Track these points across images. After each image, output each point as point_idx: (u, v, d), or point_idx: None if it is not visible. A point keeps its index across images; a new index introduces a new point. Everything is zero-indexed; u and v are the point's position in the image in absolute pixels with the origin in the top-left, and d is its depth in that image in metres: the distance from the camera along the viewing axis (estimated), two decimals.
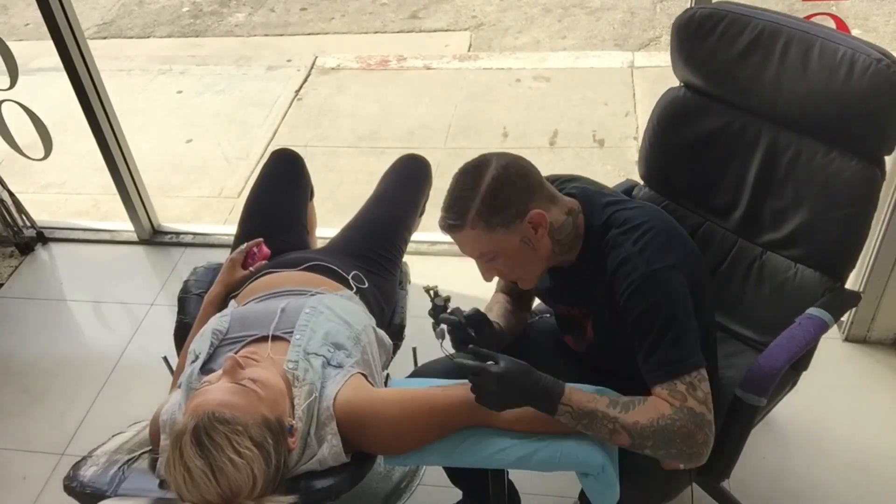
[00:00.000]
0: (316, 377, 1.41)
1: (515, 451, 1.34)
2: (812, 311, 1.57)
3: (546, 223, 1.33)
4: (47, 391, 2.43)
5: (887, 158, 1.55)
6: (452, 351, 1.47)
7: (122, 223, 2.99)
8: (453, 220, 1.32)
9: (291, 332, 1.50)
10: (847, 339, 2.32)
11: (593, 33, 4.36)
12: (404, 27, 4.64)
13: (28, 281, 2.86)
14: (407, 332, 1.90)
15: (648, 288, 1.29)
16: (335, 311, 1.58)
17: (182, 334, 1.80)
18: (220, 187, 3.37)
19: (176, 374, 1.68)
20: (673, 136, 1.81)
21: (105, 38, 4.82)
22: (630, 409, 1.28)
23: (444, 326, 1.45)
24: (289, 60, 4.30)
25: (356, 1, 4.91)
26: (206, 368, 1.47)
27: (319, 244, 2.10)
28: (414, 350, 1.81)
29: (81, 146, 3.30)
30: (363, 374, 1.48)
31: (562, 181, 1.50)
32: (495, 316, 1.59)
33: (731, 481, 1.94)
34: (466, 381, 1.32)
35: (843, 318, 2.29)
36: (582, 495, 1.51)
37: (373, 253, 1.90)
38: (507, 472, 1.58)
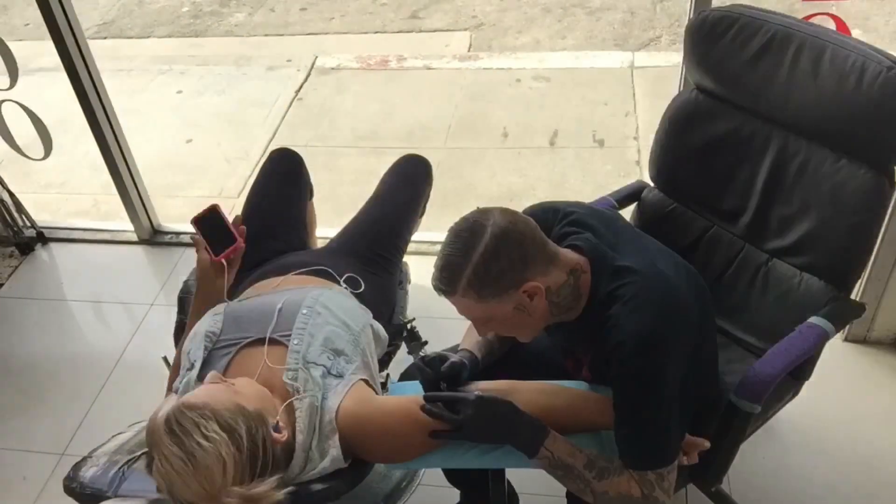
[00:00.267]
0: (317, 388, 1.40)
1: (515, 451, 1.33)
2: (813, 319, 1.56)
3: (542, 293, 1.27)
4: (47, 391, 2.43)
5: None
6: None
7: (122, 223, 2.99)
8: (443, 287, 1.27)
9: (289, 336, 1.47)
10: (847, 339, 2.33)
11: (593, 33, 4.35)
12: (404, 27, 4.64)
13: (28, 281, 2.86)
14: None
15: (641, 377, 1.26)
16: (333, 311, 1.55)
17: (182, 334, 1.80)
18: (220, 187, 3.37)
19: (172, 373, 1.67)
20: (683, 138, 1.80)
21: (105, 38, 4.82)
22: (603, 478, 1.29)
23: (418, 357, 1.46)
24: (289, 60, 4.30)
25: (356, 1, 4.91)
26: (201, 375, 1.45)
27: (319, 244, 2.10)
28: None
29: (81, 146, 3.30)
30: (364, 380, 1.47)
31: (568, 225, 1.39)
32: (471, 343, 1.53)
33: (730, 481, 1.94)
34: None
35: None
36: (569, 493, 1.51)
37: (372, 253, 1.90)
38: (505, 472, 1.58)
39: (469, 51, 4.34)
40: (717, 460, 1.53)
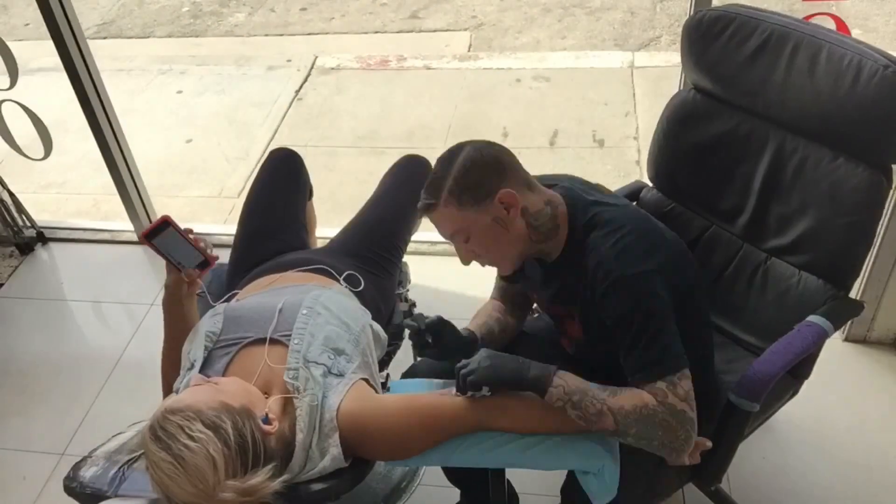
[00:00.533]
0: (317, 387, 1.40)
1: (516, 449, 1.34)
2: (812, 318, 1.56)
3: (517, 204, 1.37)
4: (47, 391, 2.43)
5: (894, 166, 1.54)
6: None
7: (122, 223, 2.99)
8: (427, 199, 1.38)
9: (289, 335, 1.47)
10: (847, 339, 2.33)
11: (593, 33, 4.36)
12: (404, 27, 4.64)
13: (28, 281, 2.86)
14: (406, 331, 1.90)
15: (624, 292, 1.32)
16: (333, 311, 1.55)
17: None
18: (219, 187, 3.37)
19: (164, 375, 1.66)
20: (681, 138, 1.80)
21: (105, 38, 4.82)
22: (617, 395, 1.31)
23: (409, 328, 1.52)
24: (289, 60, 4.30)
25: (356, 1, 4.91)
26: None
27: (319, 244, 2.10)
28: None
29: (81, 146, 3.30)
30: (364, 379, 1.47)
31: (551, 178, 1.52)
32: (476, 324, 1.61)
33: (730, 481, 1.94)
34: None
35: None
36: (564, 489, 1.52)
37: (372, 253, 1.90)
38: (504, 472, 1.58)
39: (469, 51, 4.34)
40: (716, 459, 1.53)
